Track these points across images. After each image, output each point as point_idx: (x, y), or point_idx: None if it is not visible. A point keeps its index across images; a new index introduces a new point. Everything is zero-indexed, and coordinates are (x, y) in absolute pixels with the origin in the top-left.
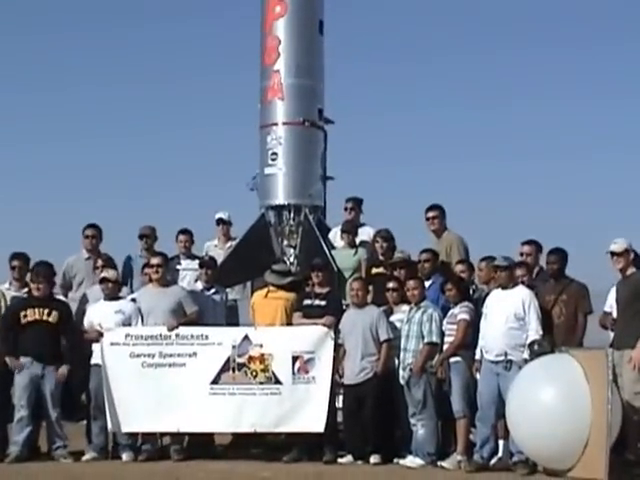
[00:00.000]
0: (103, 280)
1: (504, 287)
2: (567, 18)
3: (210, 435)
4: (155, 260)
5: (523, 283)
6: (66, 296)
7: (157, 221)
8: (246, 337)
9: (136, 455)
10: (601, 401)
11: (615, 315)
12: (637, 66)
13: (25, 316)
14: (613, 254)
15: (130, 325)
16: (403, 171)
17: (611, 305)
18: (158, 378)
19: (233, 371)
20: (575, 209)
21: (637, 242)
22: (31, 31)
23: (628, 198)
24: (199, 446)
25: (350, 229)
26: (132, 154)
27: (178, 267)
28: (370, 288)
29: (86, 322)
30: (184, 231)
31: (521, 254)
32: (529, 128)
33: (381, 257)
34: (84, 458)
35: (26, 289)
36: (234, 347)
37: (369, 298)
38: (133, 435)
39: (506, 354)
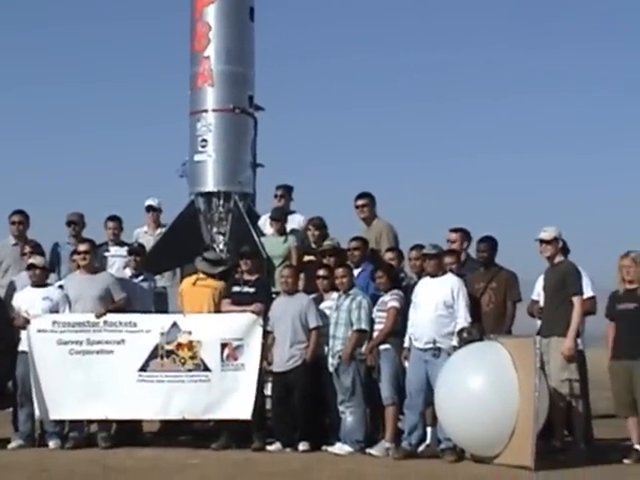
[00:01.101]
0: (30, 266)
1: (433, 275)
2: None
3: (138, 422)
4: (83, 247)
5: (452, 271)
6: None
7: (86, 208)
8: (175, 324)
9: (63, 443)
10: (529, 388)
11: (542, 303)
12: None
13: None
14: (542, 242)
15: (58, 312)
16: (334, 159)
17: (539, 293)
18: (86, 365)
19: (161, 358)
20: (505, 199)
21: (566, 231)
22: None
23: (557, 188)
24: (127, 433)
25: (279, 217)
26: (62, 140)
27: (106, 254)
28: (302, 276)
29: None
30: (113, 218)
31: (448, 241)
32: (460, 123)
33: (313, 245)
34: (10, 446)
35: None
36: (162, 334)
37: (301, 285)
38: (60, 422)
39: (435, 342)
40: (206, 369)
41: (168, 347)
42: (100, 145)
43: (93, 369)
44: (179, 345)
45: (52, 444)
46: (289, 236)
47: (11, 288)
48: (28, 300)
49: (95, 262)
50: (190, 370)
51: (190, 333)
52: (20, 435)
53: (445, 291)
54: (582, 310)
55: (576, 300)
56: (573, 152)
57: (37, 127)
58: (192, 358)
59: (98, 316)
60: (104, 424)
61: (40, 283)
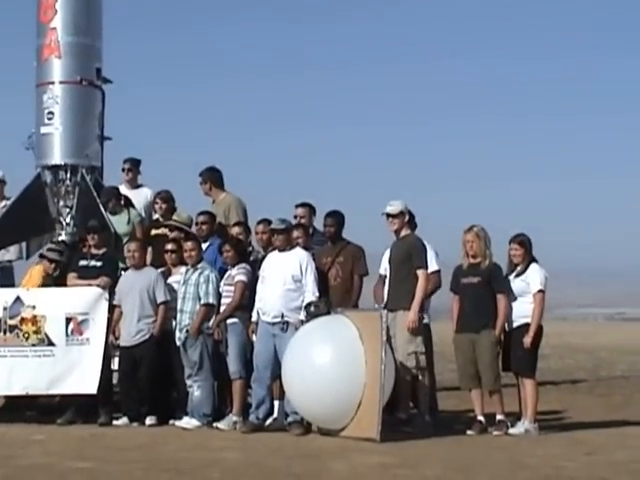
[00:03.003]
0: None
1: (281, 249)
2: None
3: None
4: None
5: (299, 245)
6: None
7: None
8: (18, 298)
9: None
10: (375, 362)
11: (388, 276)
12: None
13: None
14: (388, 216)
15: None
16: (183, 133)
17: (385, 268)
18: None
19: (4, 333)
20: (352, 172)
21: (414, 204)
22: None
23: (404, 162)
24: None
25: (109, 197)
26: None
27: None
28: (149, 250)
29: None
30: None
31: (295, 217)
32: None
33: (161, 218)
34: None
35: None
36: (5, 309)
37: (148, 259)
38: None
39: (283, 315)
40: (50, 344)
41: (11, 322)
42: None
43: None
44: (22, 320)
45: None
46: (131, 213)
47: None
48: None
49: None
50: (34, 345)
51: (34, 307)
52: None
53: (293, 265)
54: (426, 284)
55: (421, 274)
56: (421, 123)
57: None
58: (36, 333)
59: None
60: None
61: None
